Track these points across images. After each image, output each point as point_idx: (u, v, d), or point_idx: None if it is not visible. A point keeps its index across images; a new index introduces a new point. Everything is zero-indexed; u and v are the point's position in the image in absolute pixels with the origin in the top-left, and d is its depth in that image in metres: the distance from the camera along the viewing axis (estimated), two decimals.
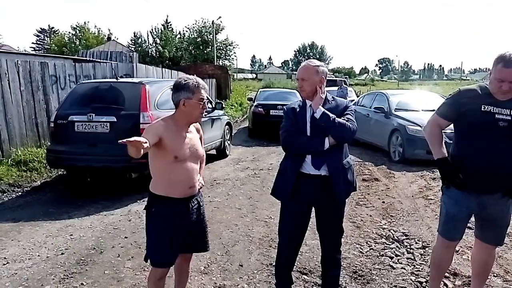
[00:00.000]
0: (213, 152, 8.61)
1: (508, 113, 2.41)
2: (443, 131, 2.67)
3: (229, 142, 9.47)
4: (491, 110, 2.41)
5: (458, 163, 2.53)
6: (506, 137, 2.42)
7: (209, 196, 5.77)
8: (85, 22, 43.03)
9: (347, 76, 45.31)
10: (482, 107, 2.43)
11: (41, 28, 68.49)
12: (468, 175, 2.48)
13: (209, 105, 8.23)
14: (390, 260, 3.71)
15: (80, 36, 40.84)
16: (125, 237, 4.26)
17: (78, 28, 41.94)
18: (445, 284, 3.23)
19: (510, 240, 4.09)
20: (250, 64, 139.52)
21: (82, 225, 4.65)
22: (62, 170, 6.85)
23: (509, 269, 3.46)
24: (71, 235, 4.35)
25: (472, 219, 2.72)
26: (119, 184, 6.26)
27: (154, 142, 2.24)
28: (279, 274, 2.97)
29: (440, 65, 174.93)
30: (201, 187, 2.60)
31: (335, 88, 14.94)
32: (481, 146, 2.44)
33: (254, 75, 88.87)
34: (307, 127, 2.69)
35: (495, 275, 3.37)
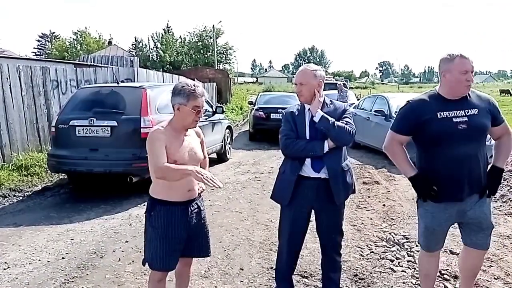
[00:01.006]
0: (214, 156, 8.62)
1: (464, 114, 2.37)
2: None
3: (229, 145, 9.48)
4: (447, 115, 2.37)
5: (431, 174, 2.45)
6: (468, 139, 2.37)
7: (209, 200, 5.78)
8: (86, 27, 43.21)
9: (348, 80, 45.35)
10: (438, 115, 2.37)
11: (42, 33, 68.66)
12: (440, 186, 2.41)
13: (210, 109, 8.26)
14: (390, 263, 3.71)
15: (81, 41, 40.98)
16: (126, 241, 4.27)
17: (79, 33, 42.10)
18: (446, 287, 3.22)
19: (511, 243, 4.09)
20: (251, 68, 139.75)
21: (83, 229, 4.66)
22: (63, 174, 6.87)
23: (509, 272, 3.45)
24: (72, 239, 4.36)
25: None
26: (120, 189, 6.28)
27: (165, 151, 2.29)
28: (280, 277, 2.98)
29: None
30: (201, 191, 2.60)
31: (335, 92, 14.94)
32: (447, 154, 2.38)
33: (255, 79, 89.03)
34: (306, 131, 2.72)
35: (496, 277, 3.37)
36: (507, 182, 5.83)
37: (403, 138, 2.54)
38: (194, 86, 2.37)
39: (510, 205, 5.19)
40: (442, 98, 2.44)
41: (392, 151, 2.59)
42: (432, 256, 2.70)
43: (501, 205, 5.20)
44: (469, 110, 2.40)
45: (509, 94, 38.72)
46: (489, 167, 2.53)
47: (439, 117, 2.37)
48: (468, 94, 2.46)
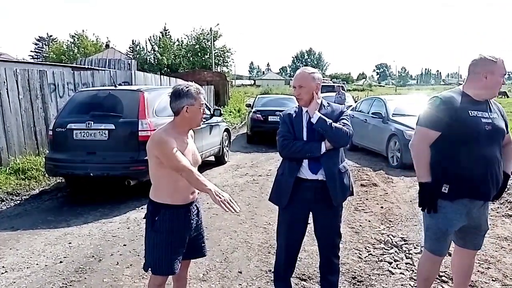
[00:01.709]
0: (212, 158, 8.62)
1: (488, 116, 2.43)
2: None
3: (227, 148, 9.48)
4: (477, 115, 2.40)
5: (451, 173, 2.43)
6: (491, 140, 2.41)
7: (207, 203, 5.75)
8: (83, 30, 43.26)
9: (345, 82, 45.47)
10: (470, 113, 2.39)
11: (39, 37, 68.71)
12: (461, 185, 2.41)
13: (208, 112, 8.26)
14: (389, 265, 3.71)
15: (79, 44, 40.98)
16: (124, 245, 4.26)
17: (76, 36, 42.10)
18: None
19: (508, 244, 4.10)
20: (248, 70, 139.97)
21: (80, 233, 4.65)
22: (61, 178, 6.85)
23: (507, 273, 3.47)
24: (70, 243, 4.35)
25: None
26: (118, 192, 6.26)
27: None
28: (278, 280, 2.98)
29: (438, 70, 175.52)
30: (198, 193, 2.61)
31: (333, 94, 14.98)
32: (474, 153, 2.39)
33: (252, 82, 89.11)
34: (303, 132, 2.73)
35: (494, 279, 3.37)
36: None
37: (434, 134, 2.44)
38: (193, 86, 2.43)
39: (507, 207, 5.21)
40: (469, 97, 2.46)
41: (420, 149, 2.49)
42: (438, 261, 2.65)
43: (498, 207, 5.22)
44: (491, 113, 2.46)
45: (505, 96, 38.89)
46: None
47: (470, 115, 2.40)
48: (488, 99, 2.52)
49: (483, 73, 2.41)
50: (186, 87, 2.39)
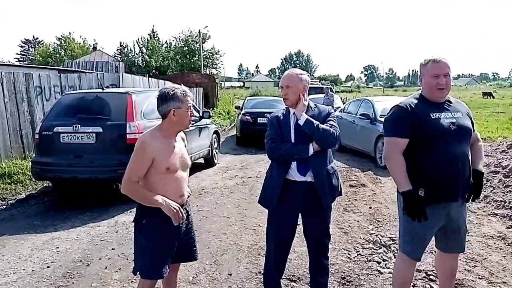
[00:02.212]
0: (201, 161, 8.59)
1: (452, 116, 2.45)
2: None
3: (217, 150, 9.46)
4: (439, 116, 2.42)
5: (424, 177, 2.42)
6: (458, 140, 2.42)
7: (197, 205, 5.75)
8: (70, 33, 42.79)
9: (333, 84, 45.77)
10: (431, 115, 2.41)
11: (25, 39, 67.82)
12: (434, 187, 2.40)
13: (196, 114, 8.24)
14: (377, 265, 3.74)
15: (66, 47, 40.53)
16: (112, 249, 4.22)
17: (63, 38, 41.64)
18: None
19: (494, 243, 4.16)
20: (238, 72, 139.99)
21: (68, 238, 4.59)
22: (48, 182, 6.77)
23: (493, 271, 3.52)
24: (57, 247, 4.30)
25: None
26: (106, 195, 6.20)
27: (149, 165, 2.34)
28: (268, 282, 2.98)
29: None
30: (188, 196, 2.60)
31: (322, 96, 15.07)
32: (441, 155, 2.39)
33: (242, 83, 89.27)
34: (291, 134, 2.74)
35: (480, 277, 3.42)
36: (490, 183, 5.95)
37: (403, 141, 2.45)
38: (180, 88, 2.41)
39: (493, 205, 5.29)
40: (427, 100, 2.49)
41: (394, 159, 2.47)
42: (413, 265, 2.67)
43: (484, 206, 5.30)
44: (455, 113, 2.48)
45: (491, 97, 39.54)
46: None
47: (432, 117, 2.42)
48: (449, 99, 2.55)
49: (420, 76, 2.52)
50: (172, 90, 2.37)
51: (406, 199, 2.41)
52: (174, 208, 2.32)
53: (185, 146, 2.68)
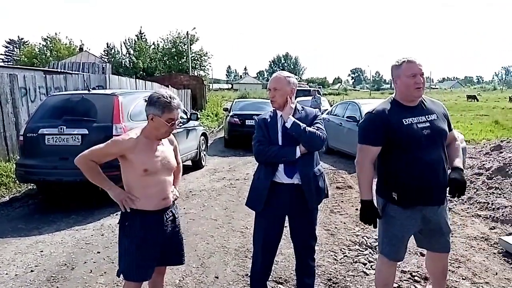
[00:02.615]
0: (189, 163, 8.56)
1: (425, 119, 2.45)
2: None
3: (204, 152, 9.44)
4: (412, 121, 2.43)
5: (398, 181, 2.47)
6: (433, 143, 2.43)
7: (184, 208, 5.73)
8: (56, 33, 42.31)
9: (321, 86, 46.02)
10: (404, 121, 2.42)
11: (10, 39, 66.86)
12: (409, 191, 2.44)
13: (184, 116, 8.21)
14: (363, 266, 3.77)
15: (51, 47, 40.05)
16: (98, 252, 4.17)
17: (49, 39, 41.14)
18: None
19: (478, 244, 4.23)
20: (226, 74, 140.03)
21: (53, 241, 4.53)
22: (32, 184, 6.66)
23: (476, 272, 3.58)
24: (42, 251, 4.23)
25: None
26: (91, 198, 6.14)
27: (112, 158, 2.38)
28: (255, 284, 2.99)
29: None
30: (175, 199, 2.59)
31: (309, 98, 15.15)
32: (415, 159, 2.40)
33: (230, 86, 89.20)
34: (278, 137, 2.76)
35: (464, 277, 3.48)
36: (474, 184, 6.05)
37: (375, 149, 2.49)
38: (170, 98, 2.33)
39: (476, 207, 5.38)
40: (401, 105, 2.50)
41: (363, 167, 2.53)
42: (394, 266, 2.71)
43: (468, 207, 5.39)
44: (429, 115, 2.48)
45: (475, 100, 40.24)
46: (449, 171, 2.56)
47: (405, 123, 2.42)
48: (424, 100, 2.54)
49: (394, 79, 2.51)
50: (158, 97, 2.33)
51: (364, 208, 2.54)
52: (121, 195, 2.36)
53: (177, 149, 2.67)
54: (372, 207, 2.53)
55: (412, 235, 2.68)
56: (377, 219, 2.57)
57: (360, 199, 2.56)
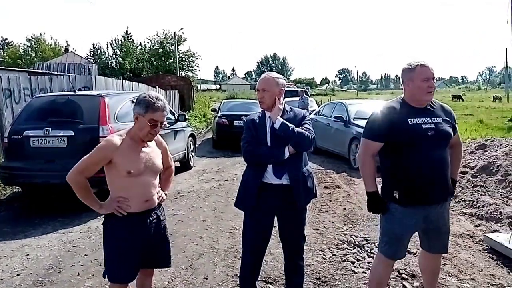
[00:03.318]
0: (177, 164, 8.51)
1: (431, 121, 2.50)
2: None
3: (193, 153, 9.41)
4: (417, 122, 2.47)
5: (399, 180, 2.52)
6: (436, 145, 2.49)
7: (172, 209, 5.70)
8: (41, 34, 41.63)
9: (309, 87, 46.19)
10: (409, 121, 2.46)
11: None
12: (412, 189, 2.48)
13: (172, 117, 8.18)
14: (352, 265, 3.80)
15: (36, 48, 39.43)
16: (85, 255, 4.13)
17: (33, 39, 40.49)
18: (404, 286, 3.34)
19: (463, 241, 4.30)
20: (214, 75, 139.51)
21: (39, 244, 4.47)
22: (17, 187, 6.56)
23: (462, 269, 3.64)
24: (28, 255, 4.17)
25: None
26: (78, 201, 6.05)
27: (103, 165, 2.35)
28: (244, 284, 2.99)
29: (396, 75, 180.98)
30: (161, 201, 2.57)
31: (297, 99, 15.20)
32: (419, 159, 2.45)
33: (218, 86, 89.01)
34: (267, 138, 2.76)
35: (450, 274, 3.53)
36: (459, 183, 6.15)
37: (377, 145, 2.56)
38: (155, 98, 2.32)
39: (462, 205, 5.47)
40: (409, 105, 2.54)
41: (364, 161, 2.61)
42: (391, 265, 2.72)
43: (454, 205, 5.47)
44: (435, 118, 2.53)
45: (460, 99, 40.83)
46: None
47: (410, 123, 2.47)
48: (433, 103, 2.60)
49: (405, 81, 2.55)
50: (144, 97, 2.33)
51: (369, 199, 2.64)
52: (112, 205, 2.36)
53: (167, 151, 2.65)
54: (377, 197, 2.61)
55: (417, 235, 2.72)
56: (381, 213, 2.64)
57: (366, 191, 2.64)
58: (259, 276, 3.15)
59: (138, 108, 2.33)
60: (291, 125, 2.68)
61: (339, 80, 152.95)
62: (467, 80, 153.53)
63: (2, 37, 65.26)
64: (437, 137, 2.48)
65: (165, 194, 2.63)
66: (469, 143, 8.36)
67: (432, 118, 2.52)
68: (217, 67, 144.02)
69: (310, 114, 2.98)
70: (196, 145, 10.11)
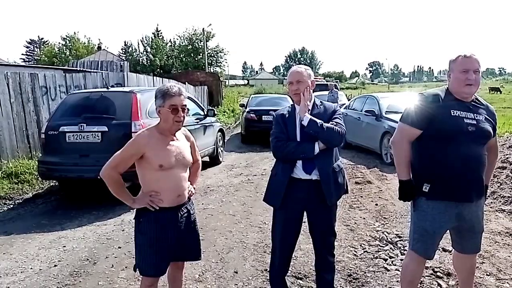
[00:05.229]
0: (206, 159, 8.60)
1: (473, 117, 2.39)
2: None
3: (222, 148, 9.47)
4: (460, 115, 2.37)
5: (431, 172, 2.43)
6: (475, 141, 2.37)
7: (202, 204, 5.76)
8: (75, 32, 42.89)
9: (338, 80, 45.59)
10: (452, 112, 2.37)
11: (30, 39, 68.15)
12: (443, 183, 2.39)
13: (201, 112, 8.25)
14: (384, 262, 3.72)
15: (70, 46, 40.65)
16: (119, 247, 4.24)
17: (68, 38, 41.77)
18: (439, 285, 3.24)
19: (502, 239, 4.13)
20: (242, 70, 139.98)
21: (75, 236, 4.62)
22: (54, 181, 6.80)
23: (501, 268, 3.49)
24: (64, 246, 4.32)
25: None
26: (111, 194, 6.22)
27: (135, 159, 2.37)
28: (274, 279, 2.98)
29: (430, 67, 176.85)
30: (191, 195, 2.59)
31: (326, 93, 15.01)
32: (455, 153, 2.35)
33: (246, 81, 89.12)
34: (296, 133, 2.72)
35: (488, 274, 3.40)
36: (498, 178, 5.90)
37: (415, 132, 2.45)
38: (169, 86, 2.37)
39: (500, 201, 5.25)
40: (453, 97, 2.44)
41: (400, 147, 2.51)
42: (423, 263, 2.64)
43: (492, 202, 5.26)
44: (477, 115, 2.42)
45: (498, 92, 39.20)
46: None
47: (452, 114, 2.37)
48: (478, 100, 2.49)
49: (449, 73, 2.47)
50: (159, 89, 2.38)
51: (401, 187, 2.54)
52: (144, 200, 2.40)
53: (194, 145, 2.67)
54: (410, 186, 2.50)
55: (449, 234, 2.63)
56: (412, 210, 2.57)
57: (398, 179, 2.56)
58: (289, 272, 3.13)
59: (157, 101, 2.37)
60: (319, 121, 2.62)
61: (369, 73, 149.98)
62: (505, 72, 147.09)
63: (38, 36, 67.82)
64: (477, 134, 2.37)
65: (194, 188, 2.65)
66: (507, 137, 8.01)
67: (475, 115, 2.41)
68: (245, 62, 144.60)
69: (340, 108, 2.89)
70: (225, 140, 10.16)
